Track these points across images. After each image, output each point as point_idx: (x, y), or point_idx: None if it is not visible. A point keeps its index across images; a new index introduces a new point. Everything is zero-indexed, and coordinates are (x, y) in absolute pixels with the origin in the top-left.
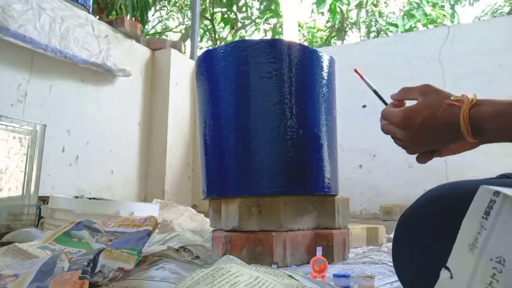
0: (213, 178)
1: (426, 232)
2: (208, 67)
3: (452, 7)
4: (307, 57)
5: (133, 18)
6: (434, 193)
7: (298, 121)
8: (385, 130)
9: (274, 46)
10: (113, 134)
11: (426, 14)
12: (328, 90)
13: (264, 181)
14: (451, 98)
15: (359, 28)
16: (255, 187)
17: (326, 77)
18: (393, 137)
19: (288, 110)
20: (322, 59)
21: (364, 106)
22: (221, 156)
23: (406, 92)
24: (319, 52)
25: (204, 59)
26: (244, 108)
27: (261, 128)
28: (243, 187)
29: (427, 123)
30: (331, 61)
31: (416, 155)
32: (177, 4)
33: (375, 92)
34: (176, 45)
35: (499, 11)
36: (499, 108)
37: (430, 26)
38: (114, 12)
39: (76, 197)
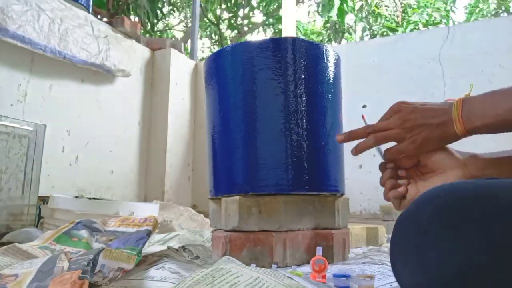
0: (220, 177)
1: (423, 232)
2: (216, 69)
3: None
4: (314, 55)
5: (140, 19)
6: (431, 194)
7: (306, 120)
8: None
9: (280, 46)
10: (113, 134)
11: (422, 14)
12: (334, 88)
13: (271, 180)
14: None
15: (355, 31)
16: (262, 185)
17: (333, 76)
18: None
19: (293, 110)
20: (329, 58)
21: (364, 106)
22: (229, 156)
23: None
24: (328, 50)
25: (213, 61)
26: (251, 109)
27: (268, 128)
28: (250, 185)
29: (420, 107)
30: (338, 60)
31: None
32: (178, 4)
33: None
34: (176, 45)
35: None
36: (489, 96)
37: (429, 27)
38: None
39: (76, 197)
